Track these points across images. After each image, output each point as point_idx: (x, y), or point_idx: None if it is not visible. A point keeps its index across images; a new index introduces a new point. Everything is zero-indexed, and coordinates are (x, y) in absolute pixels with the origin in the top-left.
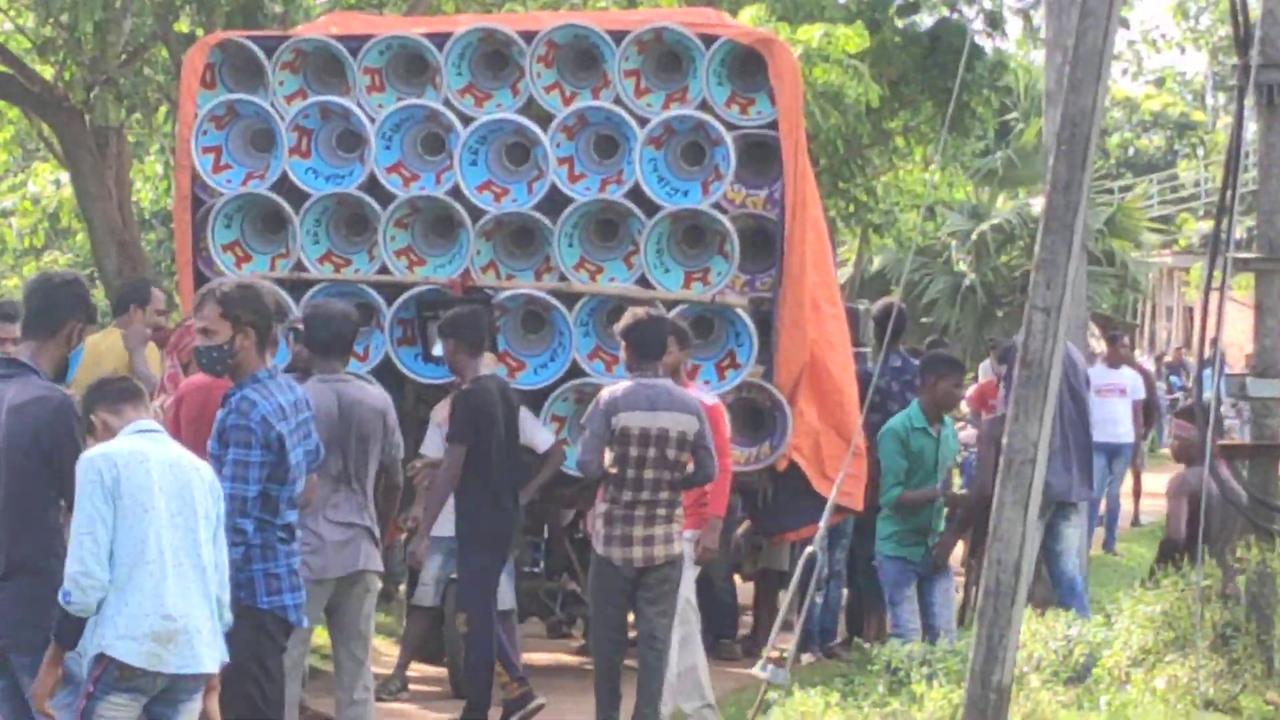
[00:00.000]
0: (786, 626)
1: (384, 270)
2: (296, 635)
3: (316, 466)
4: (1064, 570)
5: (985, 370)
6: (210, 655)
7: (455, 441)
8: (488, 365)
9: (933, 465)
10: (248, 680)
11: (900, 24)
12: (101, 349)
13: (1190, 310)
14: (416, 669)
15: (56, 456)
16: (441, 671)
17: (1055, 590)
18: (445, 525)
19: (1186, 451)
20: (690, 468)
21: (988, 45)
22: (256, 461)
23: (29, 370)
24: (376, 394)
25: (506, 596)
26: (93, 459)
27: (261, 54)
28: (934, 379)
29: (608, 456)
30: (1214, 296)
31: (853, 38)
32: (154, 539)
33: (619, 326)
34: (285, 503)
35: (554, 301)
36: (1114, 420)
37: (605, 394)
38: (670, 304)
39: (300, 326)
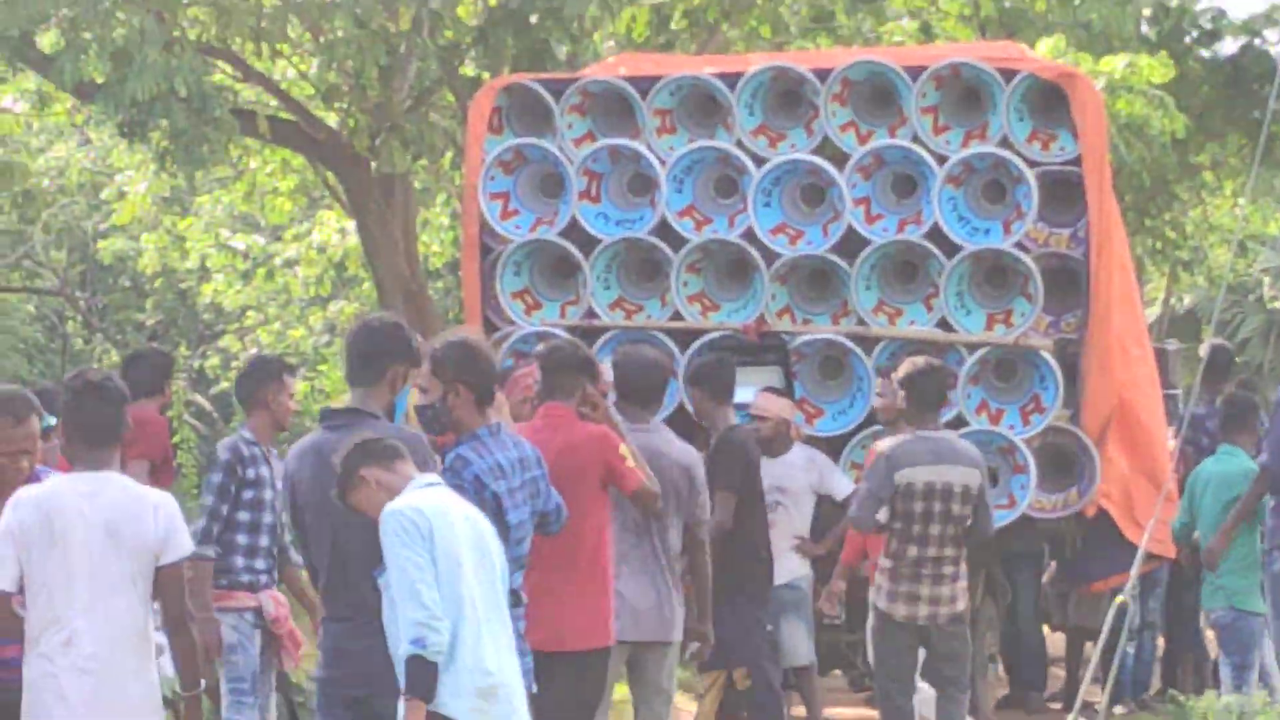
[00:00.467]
0: (1098, 679)
1: (677, 316)
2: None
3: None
4: None
5: None
6: (524, 710)
7: (727, 490)
8: (785, 412)
9: None
10: None
11: (1202, 52)
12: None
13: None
14: None
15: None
16: None
17: None
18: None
19: None
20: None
21: None
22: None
23: (367, 416)
24: (681, 448)
25: (806, 650)
26: (402, 510)
27: (549, 97)
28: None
29: (884, 512)
30: None
31: (1157, 68)
32: (468, 593)
33: (897, 375)
34: (509, 563)
35: (852, 346)
36: None
37: (885, 447)
38: (972, 347)
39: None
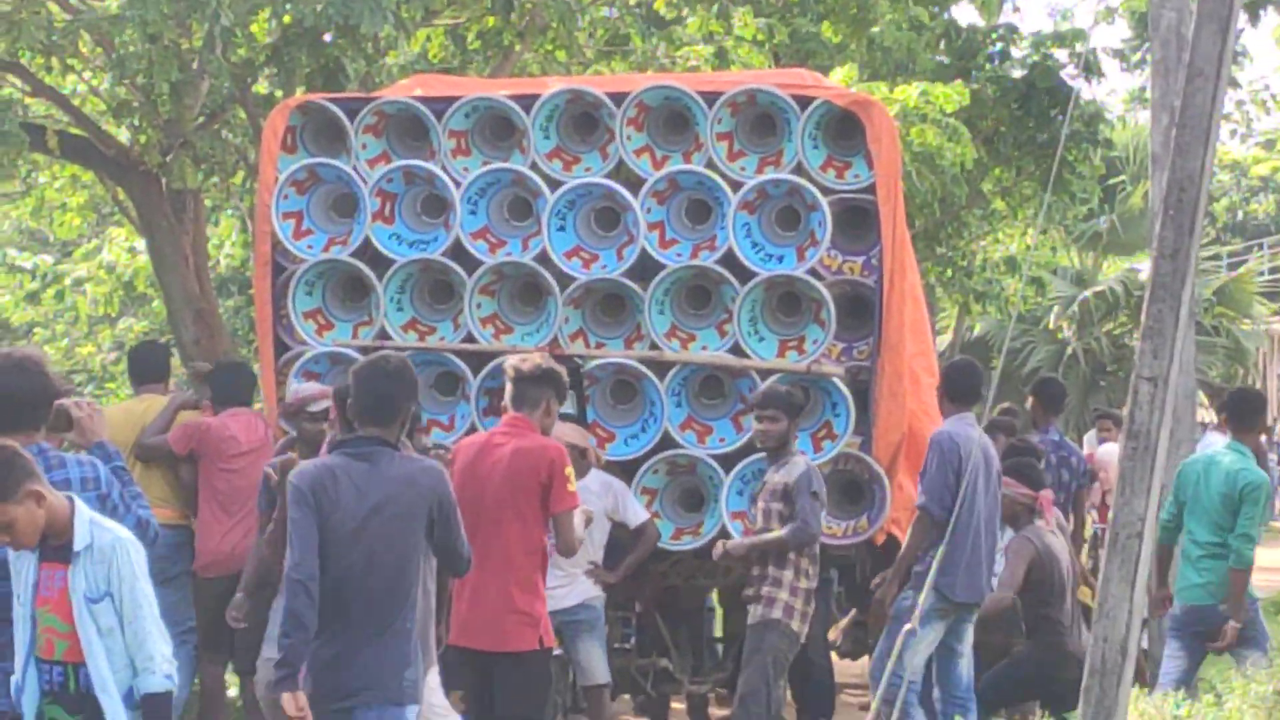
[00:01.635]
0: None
1: (470, 339)
2: None
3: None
4: (959, 672)
5: (1090, 441)
6: None
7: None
8: (576, 438)
9: None
10: None
11: (993, 72)
12: (137, 413)
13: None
14: None
15: (439, 519)
16: None
17: (942, 691)
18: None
19: (1011, 510)
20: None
21: (1084, 92)
22: None
23: (387, 445)
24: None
25: (602, 669)
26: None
27: (344, 117)
28: None
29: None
30: None
31: (951, 96)
32: None
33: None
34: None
35: (645, 370)
36: None
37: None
38: (765, 373)
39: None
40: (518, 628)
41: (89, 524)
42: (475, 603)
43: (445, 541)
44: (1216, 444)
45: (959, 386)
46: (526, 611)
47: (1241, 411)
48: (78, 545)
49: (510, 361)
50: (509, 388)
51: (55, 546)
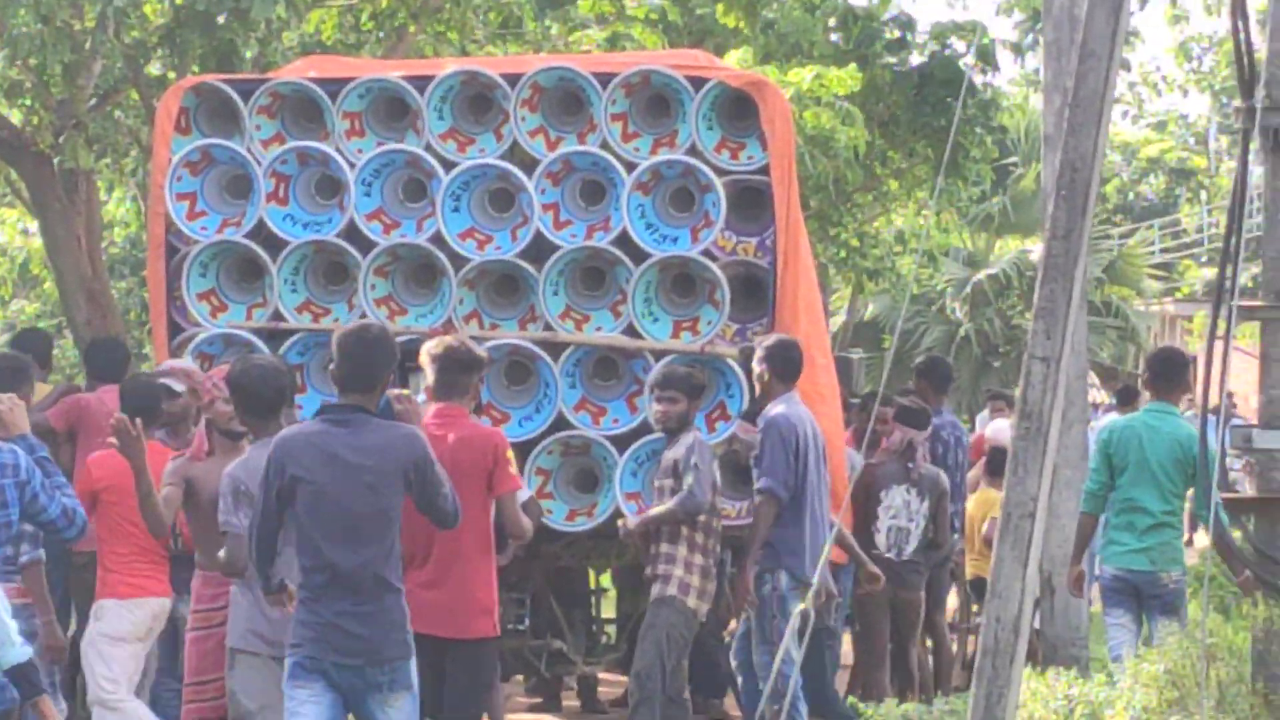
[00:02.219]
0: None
1: (364, 319)
2: None
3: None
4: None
5: (983, 421)
6: None
7: None
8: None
9: None
10: None
11: (890, 61)
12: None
13: (1193, 359)
14: None
15: (418, 480)
16: None
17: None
18: None
19: None
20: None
21: (979, 80)
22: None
23: (364, 413)
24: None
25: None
26: None
27: (237, 98)
28: None
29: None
30: (1218, 345)
31: (845, 80)
32: None
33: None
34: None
35: (539, 351)
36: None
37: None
38: (659, 354)
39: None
40: (474, 616)
41: None
42: (432, 590)
43: (428, 501)
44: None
45: (786, 367)
46: (482, 599)
47: (1167, 372)
48: None
49: (433, 349)
50: (434, 375)
51: None
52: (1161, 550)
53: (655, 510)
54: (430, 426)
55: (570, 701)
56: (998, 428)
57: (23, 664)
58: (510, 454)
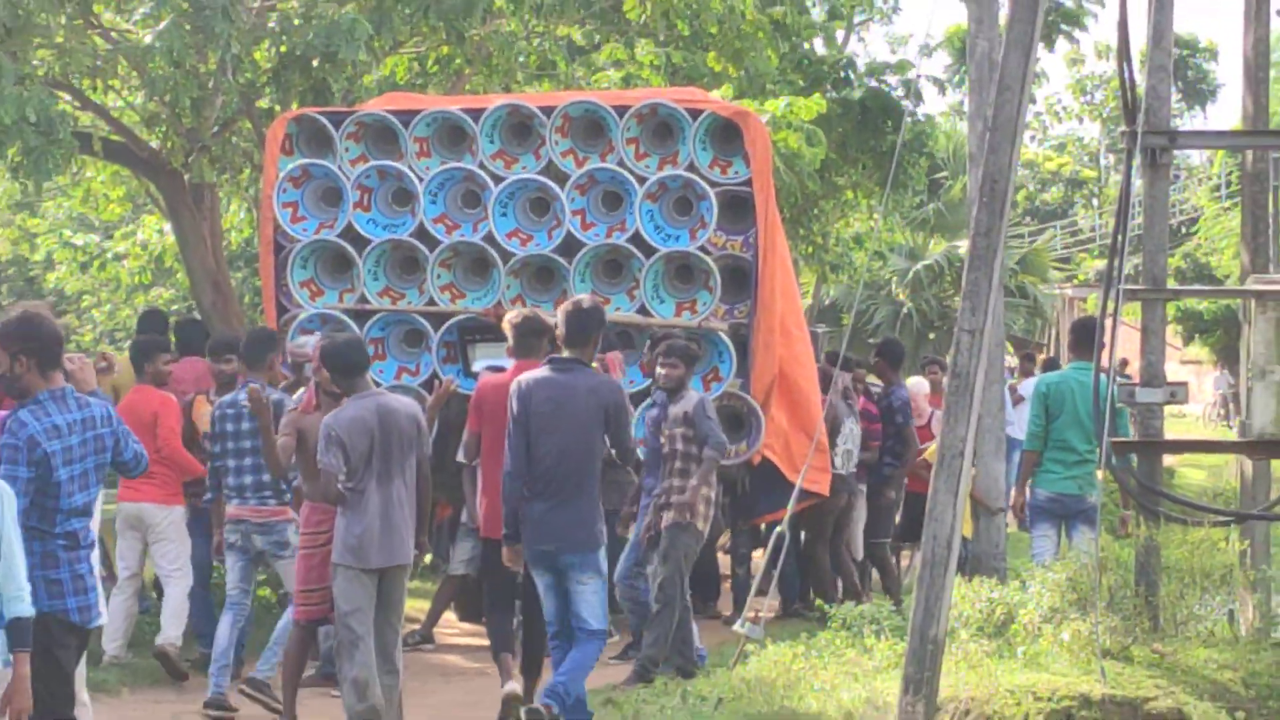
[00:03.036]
0: (762, 591)
1: (431, 302)
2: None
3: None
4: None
5: (914, 383)
6: None
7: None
8: None
9: None
10: (37, 678)
11: (835, 94)
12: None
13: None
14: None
15: (612, 419)
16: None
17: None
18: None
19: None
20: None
21: (916, 112)
22: (24, 477)
23: (579, 363)
24: (407, 404)
25: None
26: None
27: (330, 126)
28: None
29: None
30: (1108, 322)
31: (810, 107)
32: None
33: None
34: (63, 514)
35: (542, 330)
36: (1024, 422)
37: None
38: (665, 328)
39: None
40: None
41: None
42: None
43: (615, 435)
44: (1024, 383)
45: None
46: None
47: (1085, 338)
48: None
49: (514, 319)
50: (514, 338)
51: None
52: (1085, 478)
53: (697, 481)
54: (514, 374)
55: None
56: (915, 381)
57: (25, 616)
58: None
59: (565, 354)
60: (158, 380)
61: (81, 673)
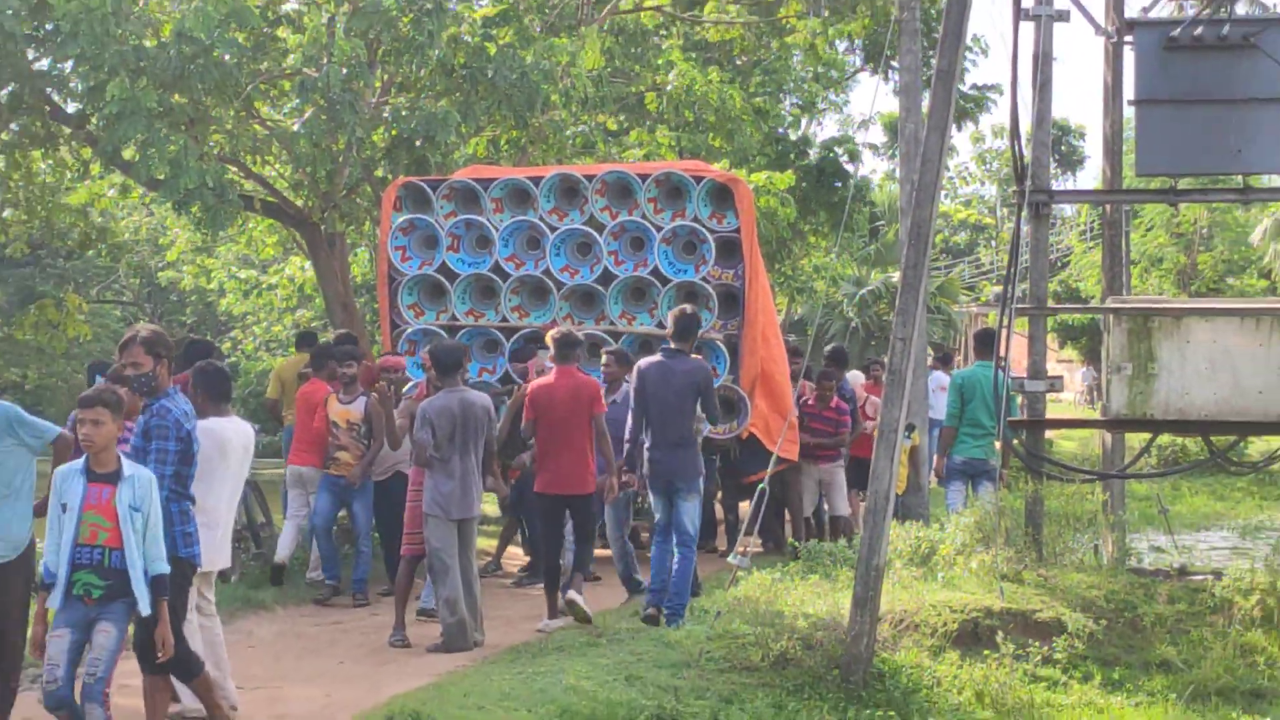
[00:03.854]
0: (748, 533)
1: (504, 320)
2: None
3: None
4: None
5: (853, 375)
6: None
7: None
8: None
9: None
10: (170, 609)
11: (797, 163)
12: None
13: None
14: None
15: (704, 392)
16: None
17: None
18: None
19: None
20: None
21: (860, 173)
22: (172, 450)
23: (682, 353)
24: (481, 397)
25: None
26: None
27: (429, 190)
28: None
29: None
30: (1004, 333)
31: (783, 180)
32: None
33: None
34: (192, 480)
35: (607, 337)
36: (942, 406)
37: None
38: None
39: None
40: (583, 480)
41: (128, 462)
42: (559, 466)
43: (707, 404)
44: (940, 377)
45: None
46: (590, 470)
47: (987, 344)
48: (126, 473)
49: (554, 335)
50: (555, 349)
51: (102, 473)
52: (989, 447)
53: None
54: (556, 376)
55: None
56: (854, 374)
57: (164, 574)
58: (601, 393)
59: (672, 346)
60: (330, 376)
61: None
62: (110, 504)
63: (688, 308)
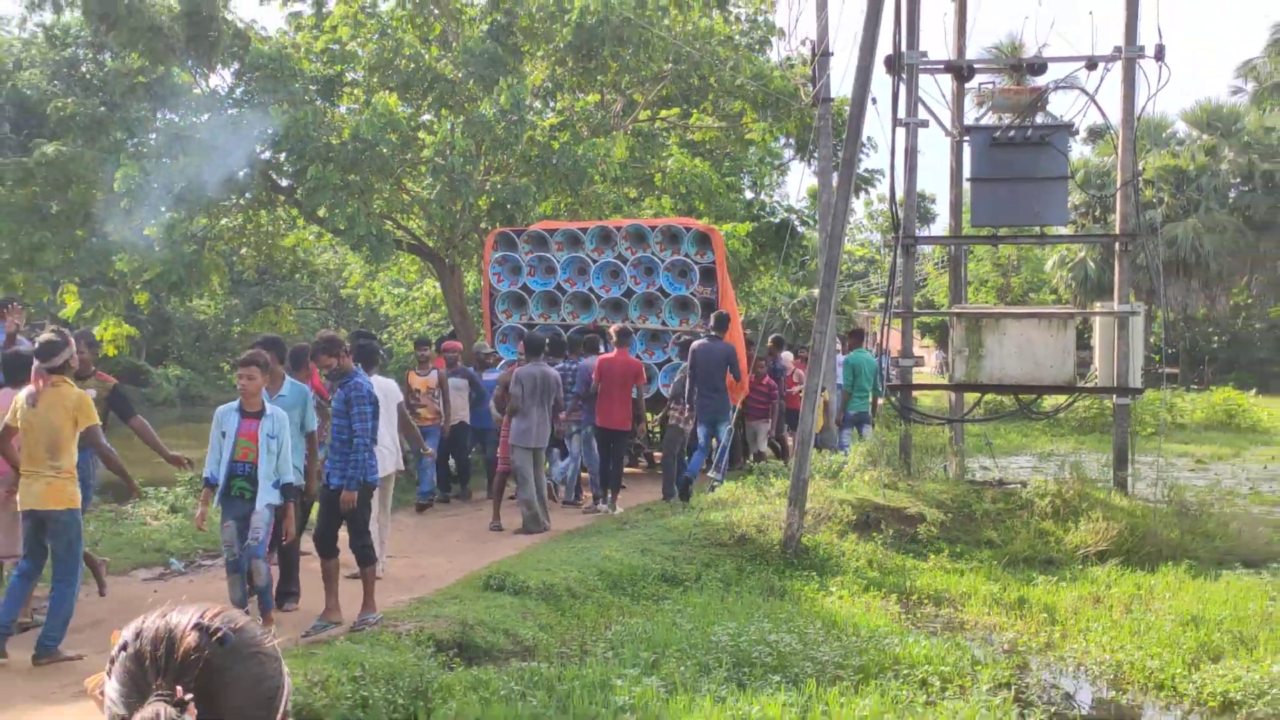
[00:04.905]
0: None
1: (563, 320)
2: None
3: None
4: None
5: (788, 357)
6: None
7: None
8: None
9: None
10: (357, 512)
11: (757, 222)
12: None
13: (876, 335)
14: None
15: (731, 361)
16: None
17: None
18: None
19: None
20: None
21: (789, 228)
22: (369, 413)
23: (719, 338)
24: (553, 370)
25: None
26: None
27: (515, 237)
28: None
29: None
30: (884, 329)
31: (743, 229)
32: None
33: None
34: (376, 429)
35: (668, 332)
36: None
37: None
38: (676, 333)
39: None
40: (624, 421)
41: (269, 405)
42: (611, 411)
43: (733, 369)
44: (852, 355)
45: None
46: (628, 416)
47: (857, 337)
48: (267, 412)
49: (614, 328)
50: (615, 338)
51: (251, 412)
52: (868, 404)
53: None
54: (616, 355)
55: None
56: (786, 355)
57: (291, 483)
58: (643, 371)
59: (713, 334)
60: (450, 361)
61: (388, 503)
62: (255, 433)
63: (722, 313)
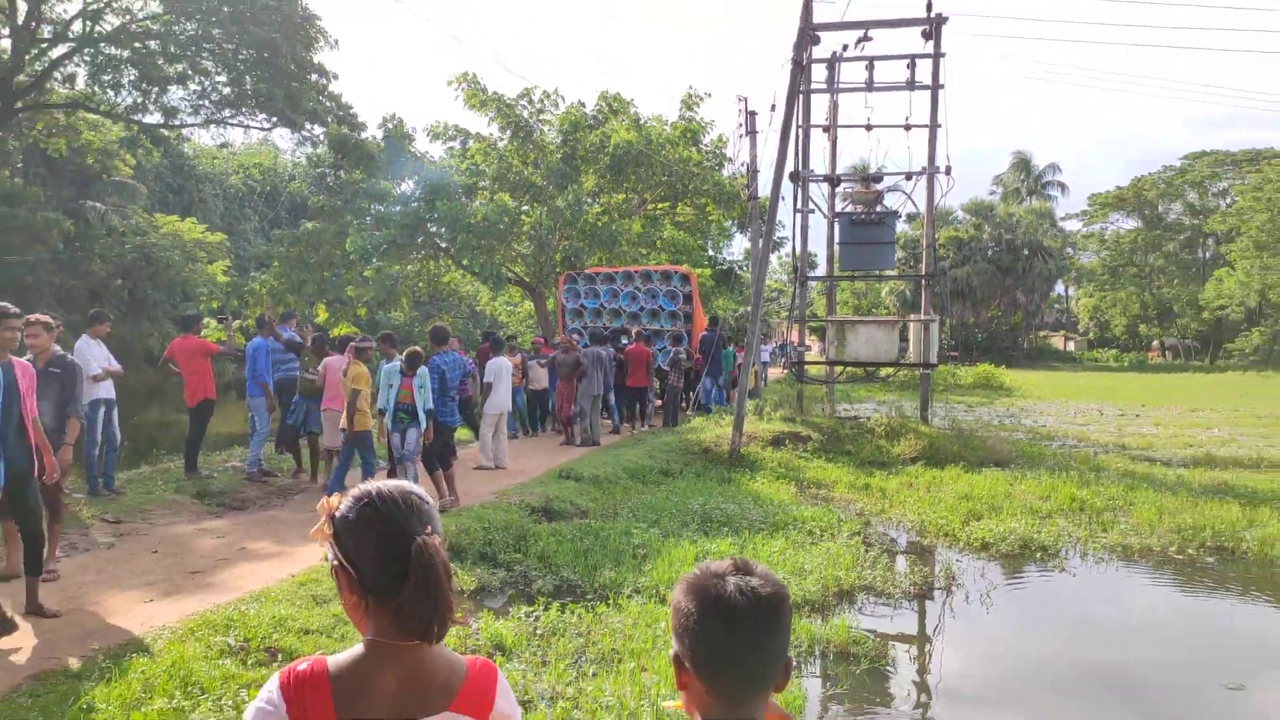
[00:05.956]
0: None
1: (604, 325)
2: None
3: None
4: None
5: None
6: None
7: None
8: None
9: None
10: (437, 444)
11: (716, 267)
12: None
13: (785, 334)
14: None
15: (720, 344)
16: None
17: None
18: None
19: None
20: None
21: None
22: (452, 380)
23: (716, 331)
24: (605, 351)
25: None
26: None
27: (577, 276)
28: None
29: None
30: (794, 328)
31: (705, 273)
32: None
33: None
34: (456, 390)
35: (644, 332)
36: (765, 362)
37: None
38: (667, 332)
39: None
40: (643, 380)
41: (421, 368)
42: (635, 375)
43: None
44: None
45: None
46: (644, 380)
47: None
48: (419, 371)
49: (636, 330)
50: (634, 336)
51: (407, 372)
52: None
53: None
54: (637, 345)
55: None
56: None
57: (431, 409)
58: (652, 354)
59: (706, 331)
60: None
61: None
62: (410, 385)
63: (718, 317)
